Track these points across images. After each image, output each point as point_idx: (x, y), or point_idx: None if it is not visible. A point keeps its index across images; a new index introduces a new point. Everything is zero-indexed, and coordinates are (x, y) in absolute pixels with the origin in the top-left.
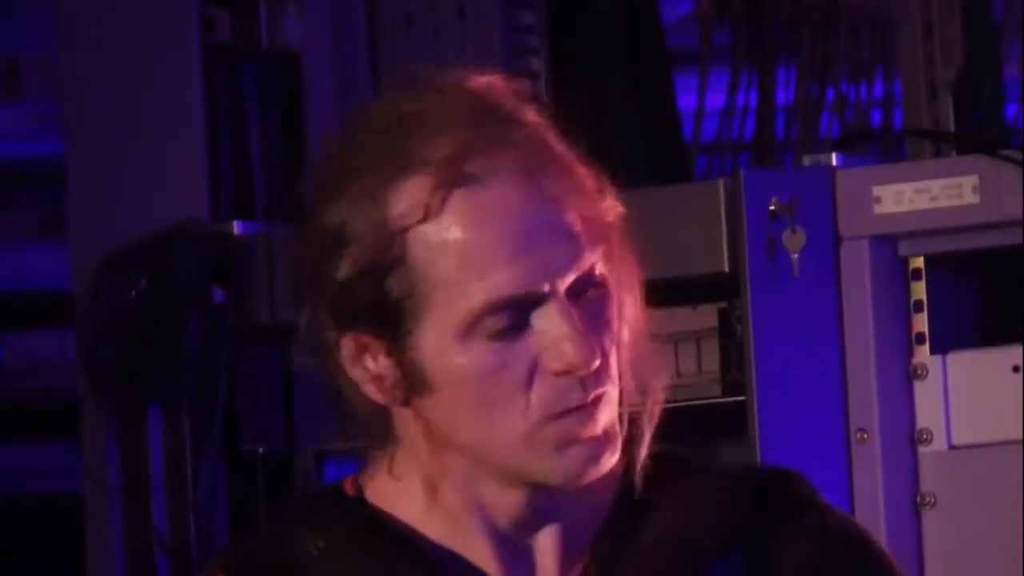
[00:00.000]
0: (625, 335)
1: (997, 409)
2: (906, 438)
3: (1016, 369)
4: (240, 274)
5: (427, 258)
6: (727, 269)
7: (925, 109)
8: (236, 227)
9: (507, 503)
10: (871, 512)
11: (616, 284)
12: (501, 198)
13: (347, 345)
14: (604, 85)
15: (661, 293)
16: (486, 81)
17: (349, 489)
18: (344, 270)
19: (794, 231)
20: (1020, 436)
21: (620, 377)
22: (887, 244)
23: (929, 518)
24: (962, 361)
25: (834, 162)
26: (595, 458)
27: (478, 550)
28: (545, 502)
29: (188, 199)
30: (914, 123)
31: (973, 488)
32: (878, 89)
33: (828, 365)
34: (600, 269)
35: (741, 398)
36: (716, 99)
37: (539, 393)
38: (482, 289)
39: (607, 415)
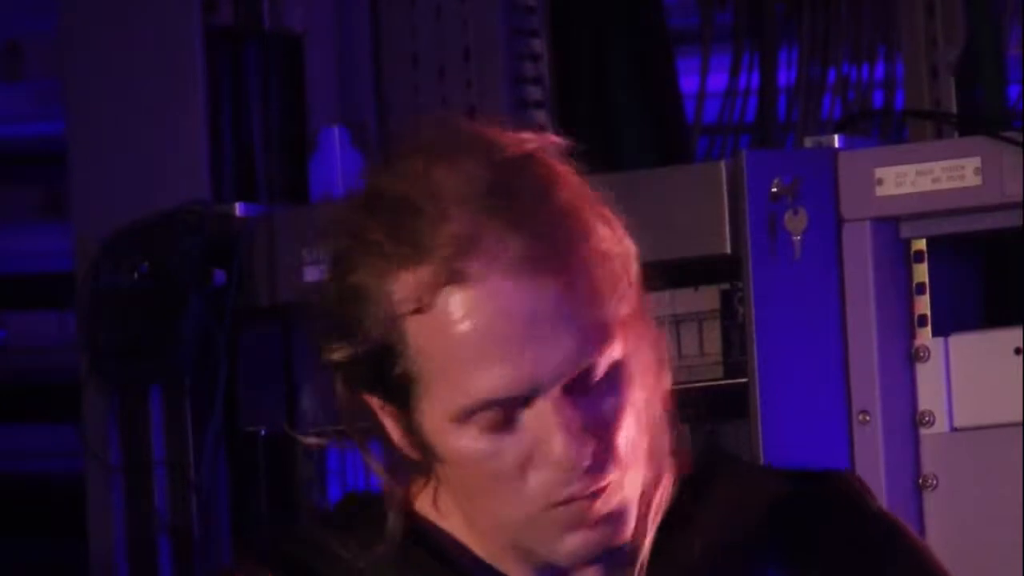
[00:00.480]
0: (640, 421)
1: (999, 391)
2: (908, 420)
3: (1018, 351)
4: (241, 256)
5: (423, 346)
6: (729, 251)
7: (927, 90)
8: (238, 209)
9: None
10: None
11: (634, 370)
12: (494, 296)
13: (372, 402)
14: (605, 66)
15: (663, 275)
16: (506, 151)
17: (396, 496)
18: (354, 347)
19: (796, 212)
20: (1022, 419)
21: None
22: (889, 226)
23: (931, 500)
24: (964, 343)
25: (836, 144)
26: (605, 540)
27: (517, 571)
28: None
29: (190, 180)
30: (916, 104)
31: (975, 470)
32: (880, 70)
33: (830, 347)
34: (612, 358)
35: (743, 380)
36: (718, 80)
37: (538, 480)
38: (471, 387)
39: (616, 499)
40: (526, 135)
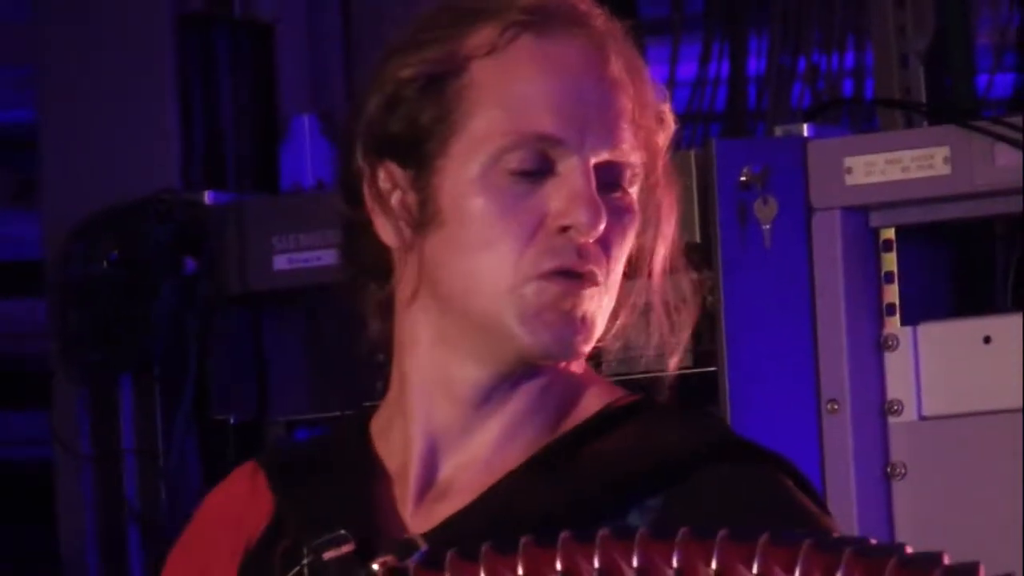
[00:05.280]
0: (655, 268)
1: (967, 380)
2: (876, 409)
3: (986, 340)
4: (211, 244)
5: (480, 83)
6: (698, 239)
7: (896, 78)
8: (207, 197)
9: (469, 377)
10: (842, 482)
11: (646, 212)
12: (568, 56)
13: (381, 176)
14: None
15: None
16: None
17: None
18: (418, 67)
19: (765, 201)
20: (990, 407)
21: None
22: (858, 215)
23: (899, 488)
24: (933, 332)
25: (805, 133)
26: (568, 334)
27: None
28: (501, 387)
29: (160, 168)
30: (885, 93)
31: (943, 459)
32: (850, 59)
33: (799, 336)
34: (632, 181)
35: (712, 369)
36: (688, 69)
37: (537, 247)
38: (520, 121)
39: (592, 304)
40: None
